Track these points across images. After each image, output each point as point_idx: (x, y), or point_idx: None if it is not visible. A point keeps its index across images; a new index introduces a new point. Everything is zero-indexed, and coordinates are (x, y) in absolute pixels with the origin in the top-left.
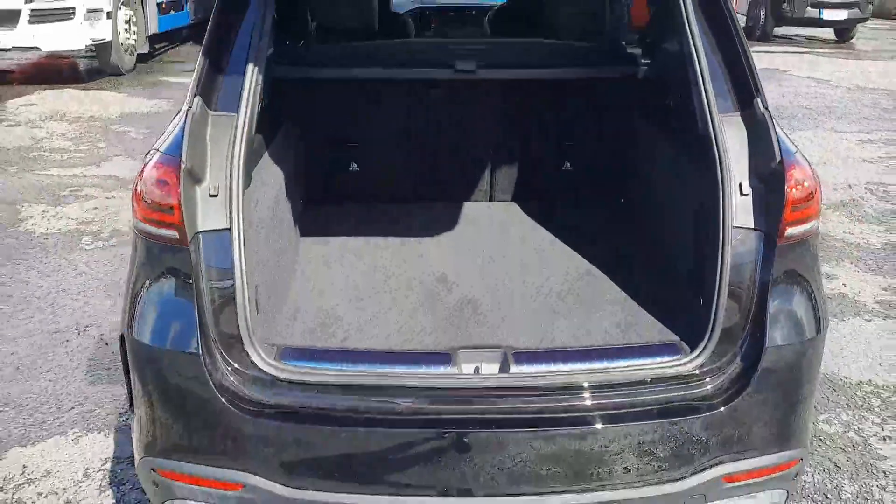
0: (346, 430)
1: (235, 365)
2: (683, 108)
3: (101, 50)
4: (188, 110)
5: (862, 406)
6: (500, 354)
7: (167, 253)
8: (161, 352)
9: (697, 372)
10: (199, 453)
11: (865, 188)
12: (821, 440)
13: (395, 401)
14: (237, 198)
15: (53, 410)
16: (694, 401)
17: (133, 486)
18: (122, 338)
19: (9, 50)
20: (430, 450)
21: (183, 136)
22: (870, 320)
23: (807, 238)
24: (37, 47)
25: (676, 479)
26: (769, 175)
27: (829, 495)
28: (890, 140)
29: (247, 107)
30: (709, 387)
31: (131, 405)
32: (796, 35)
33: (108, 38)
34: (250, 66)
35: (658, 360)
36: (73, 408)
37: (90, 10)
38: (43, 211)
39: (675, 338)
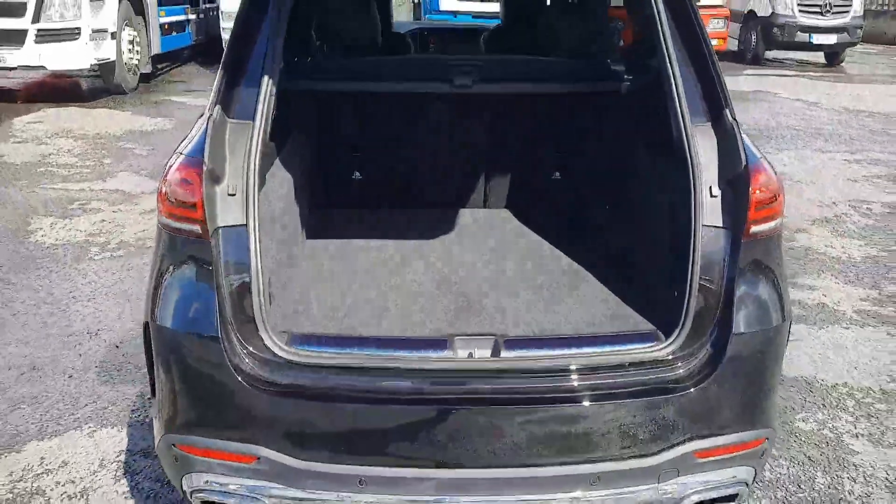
0: (350, 408)
1: (251, 348)
2: (660, 119)
3: (105, 69)
4: (209, 117)
5: (837, 406)
6: (492, 341)
7: (190, 245)
8: (184, 336)
9: (670, 357)
10: (217, 429)
11: (849, 205)
12: (797, 436)
13: (395, 381)
14: (253, 197)
15: (69, 407)
16: (667, 383)
17: (146, 475)
18: (145, 325)
19: (15, 69)
20: (427, 425)
21: (205, 141)
22: (848, 328)
23: (771, 235)
24: (43, 66)
25: (651, 454)
26: (736, 179)
27: (802, 486)
28: (875, 160)
29: (261, 115)
30: (681, 370)
31: (153, 391)
32: (787, 59)
33: (113, 57)
34: (265, 79)
35: (635, 346)
36: (87, 405)
37: (95, 31)
38: (52, 223)
39: (651, 327)
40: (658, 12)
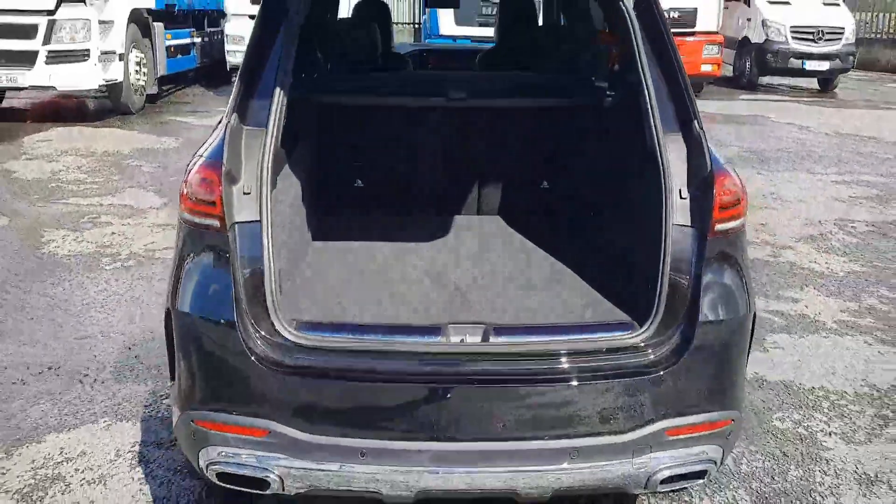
0: (352, 386)
1: (263, 333)
2: (637, 131)
3: (113, 90)
4: (227, 124)
5: (813, 407)
6: (482, 328)
7: (209, 239)
8: (203, 320)
9: (643, 344)
10: (232, 405)
11: (834, 224)
12: (773, 434)
13: (393, 363)
14: (266, 196)
15: (85, 403)
16: (640, 367)
17: (159, 464)
18: (167, 313)
19: (25, 88)
20: (422, 402)
21: (223, 145)
22: (826, 337)
23: (734, 233)
24: (52, 87)
25: (626, 431)
26: (702, 183)
27: (776, 478)
28: (862, 181)
29: (273, 123)
30: (652, 356)
31: (172, 375)
32: (781, 84)
33: (120, 78)
34: (276, 91)
35: (612, 334)
36: (102, 401)
37: (104, 53)
38: (64, 235)
39: (627, 317)
40: (635, 36)
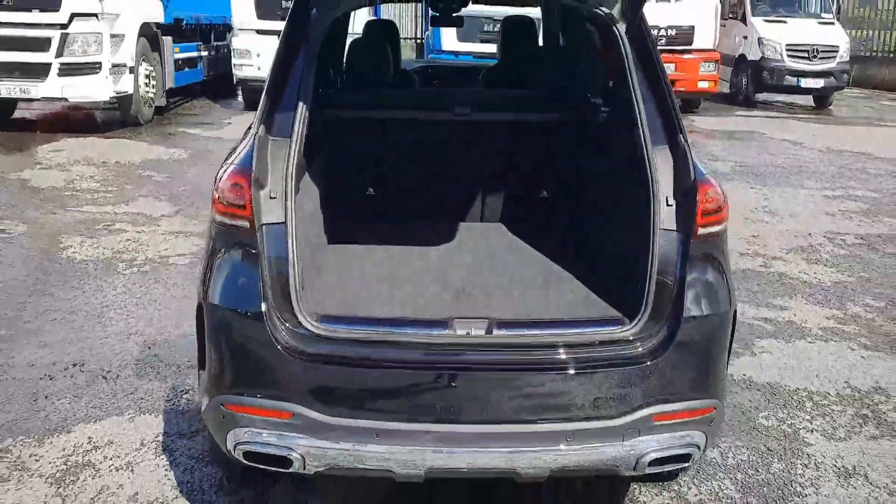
0: (368, 373)
1: (287, 324)
2: (628, 143)
3: (123, 102)
4: (255, 135)
5: (796, 407)
6: (486, 322)
7: (239, 238)
8: (233, 312)
9: (632, 338)
10: (259, 390)
11: (824, 236)
12: (758, 431)
13: (405, 352)
14: (291, 200)
15: (109, 397)
16: (630, 358)
17: (182, 452)
18: (199, 306)
19: (37, 100)
20: (430, 388)
21: (251, 154)
22: (812, 343)
23: (716, 237)
24: (64, 98)
25: (617, 417)
26: (687, 191)
27: (759, 470)
28: (852, 196)
29: (296, 135)
30: (640, 348)
31: (201, 365)
32: (776, 101)
33: (130, 91)
34: (299, 105)
35: (605, 329)
36: (126, 395)
37: (115, 65)
38: (81, 241)
39: (618, 313)
40: (626, 57)
